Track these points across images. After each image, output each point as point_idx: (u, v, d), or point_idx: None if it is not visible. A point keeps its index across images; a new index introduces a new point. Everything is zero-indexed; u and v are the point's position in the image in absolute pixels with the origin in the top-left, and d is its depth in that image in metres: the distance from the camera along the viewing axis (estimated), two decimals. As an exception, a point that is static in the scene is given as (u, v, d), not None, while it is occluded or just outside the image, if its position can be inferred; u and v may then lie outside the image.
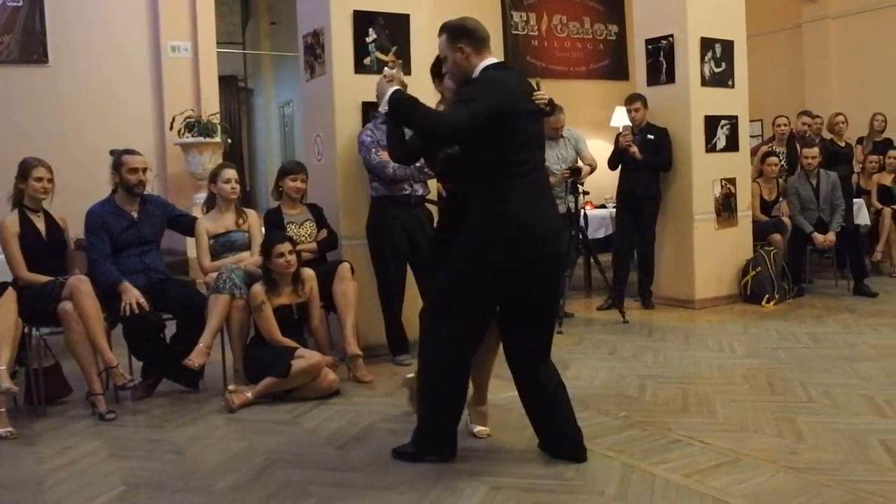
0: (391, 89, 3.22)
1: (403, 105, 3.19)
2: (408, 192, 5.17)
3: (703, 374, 4.77)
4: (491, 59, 3.29)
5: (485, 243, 3.21)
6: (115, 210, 4.76)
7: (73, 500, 3.19)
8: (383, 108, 3.29)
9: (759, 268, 6.94)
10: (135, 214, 4.81)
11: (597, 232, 7.58)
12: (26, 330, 4.31)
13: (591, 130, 8.96)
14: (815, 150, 7.48)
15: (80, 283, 4.29)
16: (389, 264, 5.15)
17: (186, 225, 5.10)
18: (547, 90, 3.93)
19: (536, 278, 3.28)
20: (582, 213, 6.54)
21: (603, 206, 8.17)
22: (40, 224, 4.63)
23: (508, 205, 3.19)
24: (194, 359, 4.46)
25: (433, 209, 5.42)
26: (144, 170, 4.81)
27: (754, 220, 7.31)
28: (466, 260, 3.26)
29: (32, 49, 8.52)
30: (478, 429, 3.74)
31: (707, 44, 6.82)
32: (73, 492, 3.26)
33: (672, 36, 6.83)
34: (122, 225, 4.73)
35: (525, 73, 3.21)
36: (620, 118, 9.51)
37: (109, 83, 8.83)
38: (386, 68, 3.42)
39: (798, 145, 7.95)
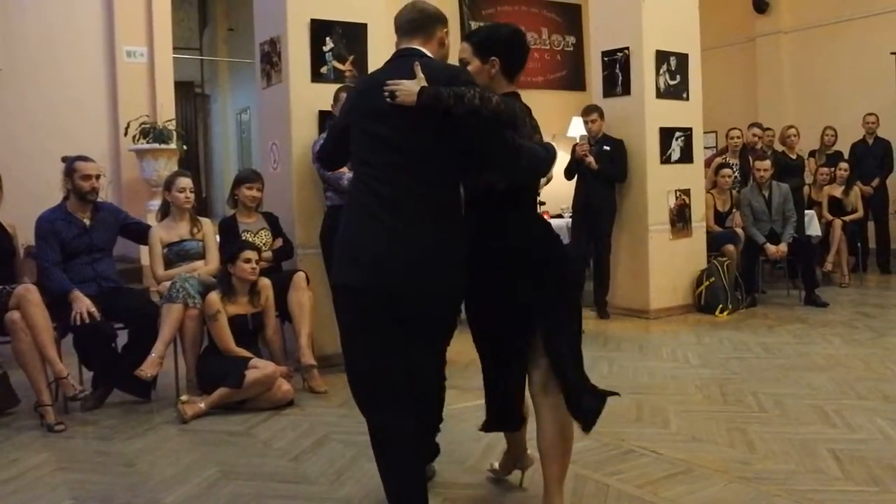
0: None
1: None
2: (364, 200, 5.14)
3: (658, 385, 4.81)
4: (401, 46, 2.86)
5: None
6: (66, 217, 4.67)
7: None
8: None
9: (713, 278, 7.04)
10: (87, 221, 4.72)
11: (553, 242, 7.60)
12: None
13: (547, 140, 9.04)
14: (768, 163, 7.62)
15: (28, 292, 4.20)
16: (345, 273, 5.11)
17: (140, 233, 5.03)
18: None
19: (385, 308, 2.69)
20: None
21: (559, 216, 8.22)
22: None
23: (345, 221, 2.82)
24: (146, 369, 4.39)
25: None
26: (97, 176, 4.74)
27: (708, 231, 7.42)
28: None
29: (-17, 50, 8.35)
30: None
31: (662, 56, 6.92)
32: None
33: (628, 48, 6.92)
34: (74, 232, 4.64)
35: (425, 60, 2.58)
36: (577, 128, 9.60)
37: (63, 88, 8.68)
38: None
39: (750, 157, 8.09)
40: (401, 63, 2.76)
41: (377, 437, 2.77)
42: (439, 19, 2.92)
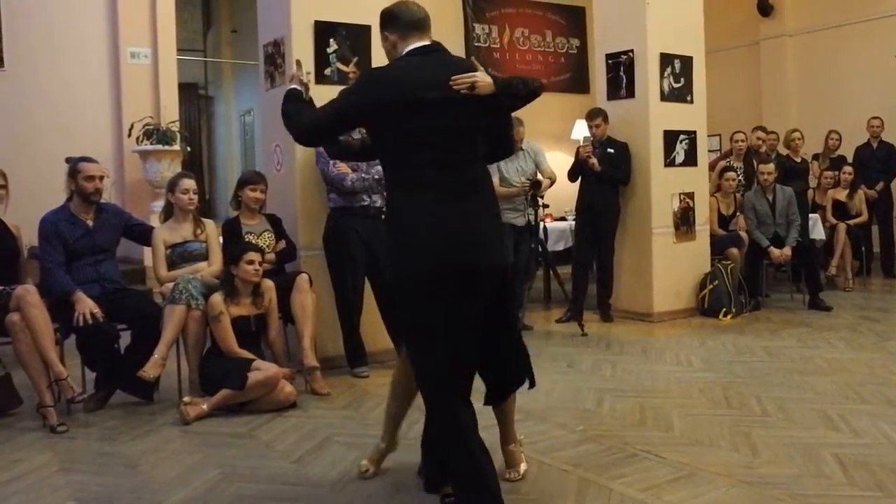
0: (290, 86, 3.15)
1: (285, 100, 3.09)
2: (366, 203, 5.15)
3: (661, 388, 4.80)
4: (416, 44, 2.90)
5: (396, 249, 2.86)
6: (69, 218, 4.67)
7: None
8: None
9: (717, 281, 7.03)
10: (90, 223, 4.72)
11: (556, 244, 7.61)
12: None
13: (551, 143, 9.04)
14: (771, 166, 7.61)
15: (27, 293, 4.19)
16: (347, 275, 5.13)
17: (143, 234, 5.03)
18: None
19: (446, 293, 2.74)
20: (541, 225, 6.57)
21: (563, 219, 8.22)
22: None
23: (401, 209, 2.83)
24: (149, 370, 4.38)
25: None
26: (101, 178, 4.73)
27: (712, 235, 7.40)
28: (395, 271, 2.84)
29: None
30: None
31: (666, 59, 6.91)
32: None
33: (632, 51, 6.91)
34: (77, 233, 4.64)
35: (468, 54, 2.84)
36: (581, 131, 9.60)
37: (67, 89, 8.69)
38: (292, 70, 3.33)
39: (754, 161, 8.07)
40: (436, 58, 2.91)
41: (465, 426, 2.79)
42: None
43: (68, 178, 4.70)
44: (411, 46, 2.91)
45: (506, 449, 3.38)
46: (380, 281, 5.09)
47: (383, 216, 5.23)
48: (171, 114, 9.03)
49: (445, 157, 2.78)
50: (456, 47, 11.07)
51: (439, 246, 2.73)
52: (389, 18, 2.95)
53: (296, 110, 3.04)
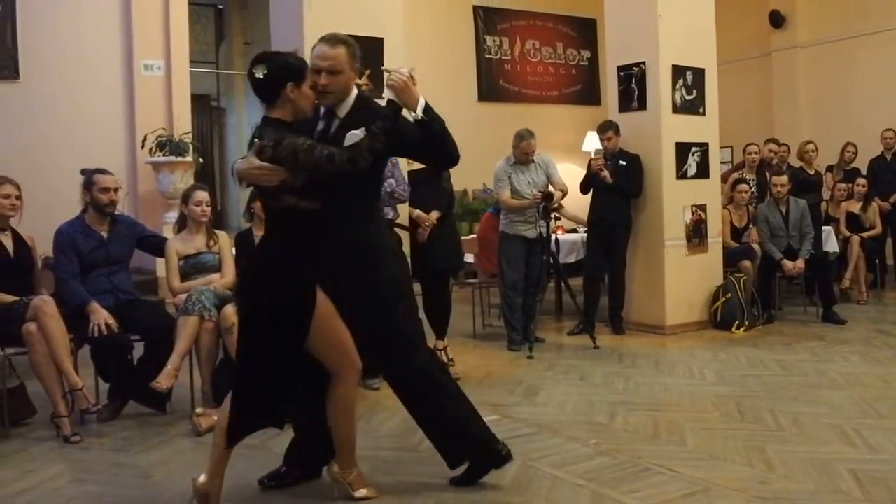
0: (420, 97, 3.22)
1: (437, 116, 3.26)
2: (379, 215, 5.15)
3: (674, 402, 4.78)
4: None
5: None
6: (84, 229, 4.69)
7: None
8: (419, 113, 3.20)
9: (729, 294, 7.00)
10: (104, 234, 4.75)
11: (568, 256, 7.60)
12: (-9, 350, 4.23)
13: (562, 155, 9.05)
14: (785, 178, 7.59)
15: (44, 304, 4.21)
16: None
17: (156, 245, 5.05)
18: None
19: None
20: (553, 237, 6.56)
21: (574, 231, 8.21)
22: (8, 242, 4.56)
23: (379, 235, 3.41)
24: (162, 381, 4.38)
25: (402, 233, 5.42)
26: (116, 189, 4.76)
27: (724, 247, 7.38)
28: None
29: (3, 64, 8.41)
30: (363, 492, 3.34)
31: (678, 71, 6.91)
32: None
33: (644, 63, 6.91)
34: (92, 244, 4.66)
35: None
36: (592, 143, 9.61)
37: (81, 100, 8.74)
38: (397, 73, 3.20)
39: (767, 173, 8.05)
40: None
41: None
42: None
43: (83, 190, 4.73)
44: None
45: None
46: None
47: (395, 229, 5.29)
48: (183, 125, 9.08)
49: None
50: (467, 59, 11.10)
51: None
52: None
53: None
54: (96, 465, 3.84)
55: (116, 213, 4.87)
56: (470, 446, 3.38)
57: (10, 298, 4.36)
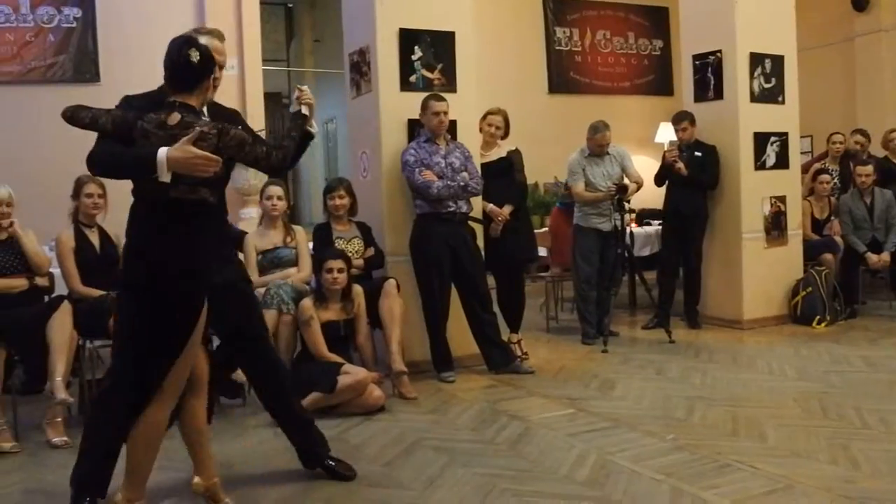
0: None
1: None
2: (452, 209, 5.17)
3: (753, 397, 4.67)
4: None
5: None
6: None
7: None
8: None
9: (810, 288, 6.81)
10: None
11: (642, 250, 7.50)
12: (80, 342, 4.39)
13: (635, 147, 8.90)
14: (870, 168, 7.33)
15: None
16: (434, 281, 5.15)
17: (237, 240, 5.14)
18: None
19: None
20: (628, 230, 6.48)
21: (648, 224, 8.09)
22: (94, 239, 4.74)
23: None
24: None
25: (476, 226, 5.42)
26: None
27: (805, 239, 7.17)
28: None
29: (85, 68, 8.68)
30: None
31: (756, 59, 6.73)
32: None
33: (720, 51, 6.76)
34: None
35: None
36: (665, 134, 9.44)
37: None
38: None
39: (851, 163, 7.79)
40: None
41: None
42: None
43: None
44: None
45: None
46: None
47: (469, 222, 5.30)
48: (257, 123, 9.22)
49: None
50: (536, 51, 11.03)
51: None
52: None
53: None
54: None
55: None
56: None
57: (97, 292, 4.52)
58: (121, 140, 2.91)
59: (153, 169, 2.79)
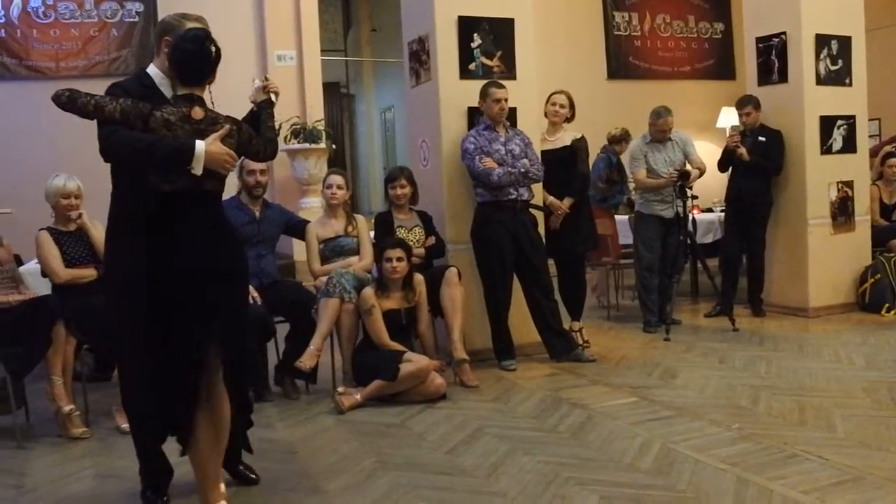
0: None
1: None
2: (513, 196, 5.16)
3: (820, 387, 4.58)
4: None
5: None
6: (239, 206, 4.91)
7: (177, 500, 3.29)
8: None
9: (879, 275, 6.64)
10: (257, 213, 4.98)
11: (705, 237, 7.40)
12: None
13: (696, 132, 8.77)
14: (942, 151, 7.11)
15: None
16: (496, 269, 5.16)
17: (300, 229, 5.22)
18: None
19: None
20: (690, 217, 6.39)
21: (710, 210, 7.97)
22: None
23: None
24: (305, 361, 4.56)
25: (538, 214, 5.40)
26: (262, 171, 4.96)
27: (873, 225, 6.99)
28: None
29: (147, 62, 8.77)
30: None
31: (822, 40, 6.57)
32: (177, 489, 3.32)
33: (785, 33, 6.61)
34: (244, 219, 4.84)
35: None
36: (727, 119, 9.28)
37: (219, 93, 9.05)
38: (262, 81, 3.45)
39: (923, 146, 7.57)
40: None
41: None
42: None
43: (238, 175, 4.95)
44: None
45: None
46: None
47: (530, 209, 5.29)
48: (316, 113, 9.33)
49: None
50: (595, 37, 10.90)
51: None
52: None
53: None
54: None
55: (270, 201, 5.13)
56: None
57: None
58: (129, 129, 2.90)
59: (188, 160, 2.83)
